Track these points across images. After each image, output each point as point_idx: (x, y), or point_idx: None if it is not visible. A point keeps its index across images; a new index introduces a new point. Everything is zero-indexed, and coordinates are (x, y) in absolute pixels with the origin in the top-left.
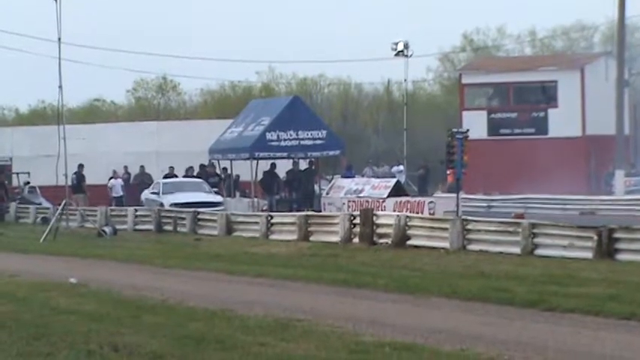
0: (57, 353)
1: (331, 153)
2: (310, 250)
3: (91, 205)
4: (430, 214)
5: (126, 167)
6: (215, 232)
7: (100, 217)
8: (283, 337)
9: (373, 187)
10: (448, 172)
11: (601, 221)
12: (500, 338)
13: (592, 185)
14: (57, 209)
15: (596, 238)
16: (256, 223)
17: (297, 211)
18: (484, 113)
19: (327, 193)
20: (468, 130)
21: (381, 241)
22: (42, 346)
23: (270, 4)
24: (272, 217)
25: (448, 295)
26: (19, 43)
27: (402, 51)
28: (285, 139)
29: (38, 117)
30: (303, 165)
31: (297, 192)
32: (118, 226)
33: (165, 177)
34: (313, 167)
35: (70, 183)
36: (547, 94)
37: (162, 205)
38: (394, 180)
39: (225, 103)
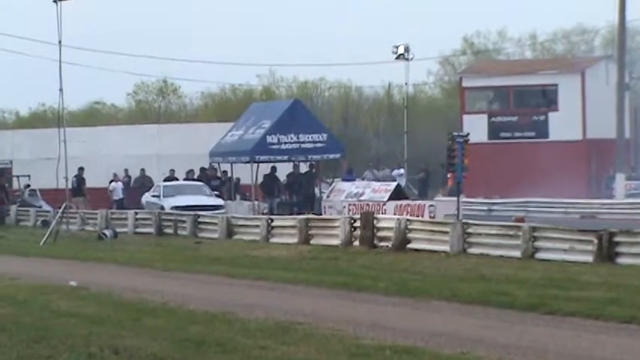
0: (57, 356)
1: (332, 156)
2: (311, 254)
3: (92, 208)
4: (431, 217)
5: (126, 170)
6: (215, 235)
7: (100, 220)
8: (284, 340)
9: (374, 190)
10: (449, 175)
11: (601, 225)
12: (500, 342)
13: (592, 189)
14: (57, 212)
15: (596, 241)
16: (257, 226)
17: (298, 214)
18: (485, 117)
19: (328, 197)
20: (468, 134)
21: (382, 244)
22: (42, 349)
23: (271, 7)
24: (272, 221)
25: (448, 299)
26: (20, 46)
27: (402, 54)
28: (285, 143)
29: (39, 120)
30: (304, 168)
31: (298, 195)
32: (118, 229)
33: (166, 180)
34: (314, 170)
35: (70, 186)
36: (547, 98)
37: (162, 208)
38: (395, 183)
39: (226, 107)
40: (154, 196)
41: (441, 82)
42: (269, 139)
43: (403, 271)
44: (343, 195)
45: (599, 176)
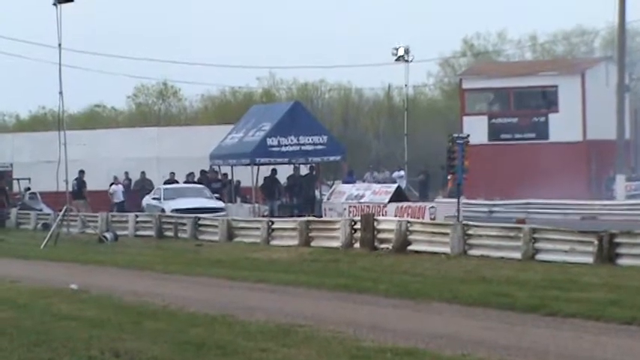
0: (58, 359)
1: (332, 158)
2: (311, 256)
3: (92, 211)
4: (431, 219)
5: (127, 173)
6: (216, 238)
7: (100, 223)
8: (285, 342)
9: (374, 192)
10: (449, 177)
11: (602, 226)
12: (501, 343)
13: (593, 190)
14: (58, 215)
15: (597, 242)
16: (257, 228)
17: (298, 216)
18: (485, 118)
19: (328, 199)
20: (468, 135)
21: (382, 246)
22: (43, 352)
23: (270, 9)
24: (273, 223)
25: (449, 301)
26: (20, 49)
27: (402, 56)
28: (285, 145)
29: (39, 123)
30: (304, 170)
31: (298, 197)
32: (118, 232)
33: (166, 183)
34: (314, 173)
35: (70, 189)
36: (548, 99)
37: (163, 210)
38: (395, 185)
39: (226, 109)
40: (154, 198)
41: (441, 84)
42: (269, 141)
43: (404, 273)
44: (344, 197)
45: (599, 177)
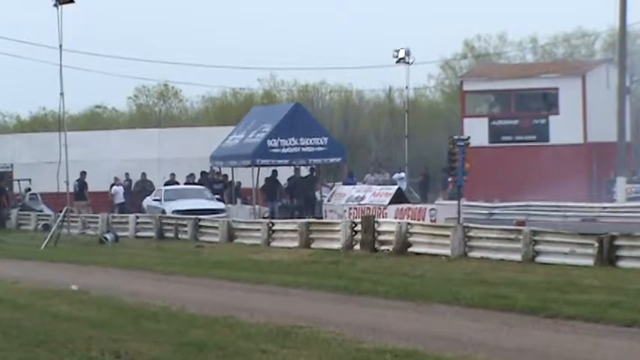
0: None
1: (332, 160)
2: (311, 257)
3: (93, 212)
4: (431, 221)
5: (127, 174)
6: (216, 239)
7: (101, 224)
8: (285, 344)
9: (374, 194)
10: (449, 179)
11: (602, 228)
12: (501, 345)
13: (593, 192)
14: (58, 216)
15: (597, 245)
16: (258, 230)
17: (299, 218)
18: (485, 120)
19: (329, 200)
20: (469, 137)
21: (383, 248)
22: (43, 353)
23: (271, 11)
24: (273, 224)
25: (449, 302)
26: (21, 50)
27: (403, 58)
28: (286, 146)
29: (39, 124)
30: (305, 172)
31: (299, 199)
32: (119, 233)
33: (167, 184)
34: (314, 174)
35: (71, 190)
36: (548, 101)
37: (164, 212)
38: (395, 187)
39: (227, 110)
40: (155, 200)
41: (442, 86)
42: (270, 143)
43: (404, 275)
44: (344, 199)
45: (599, 180)
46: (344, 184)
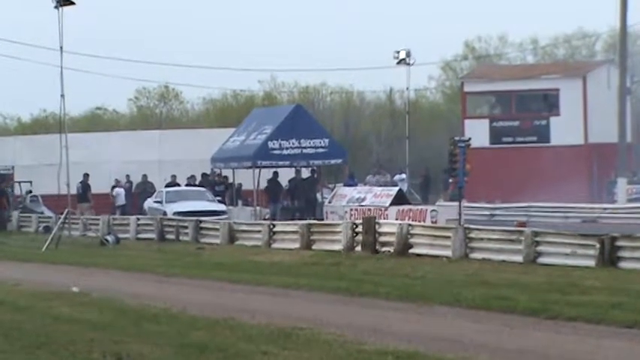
0: None
1: (333, 161)
2: (312, 259)
3: (94, 214)
4: (432, 222)
5: (128, 176)
6: (217, 241)
7: (102, 226)
8: (286, 345)
9: (375, 195)
10: (450, 180)
11: (603, 229)
12: (502, 346)
13: (594, 193)
14: (59, 218)
15: (598, 246)
16: (259, 231)
17: (300, 219)
18: (486, 121)
19: (330, 202)
20: (470, 139)
21: (384, 249)
22: (44, 355)
23: (272, 12)
24: (274, 226)
25: (451, 304)
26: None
27: (404, 59)
28: (287, 148)
29: (40, 126)
30: (306, 173)
31: (300, 200)
32: (120, 235)
33: (168, 185)
34: (315, 176)
35: (72, 192)
36: (549, 102)
37: (165, 213)
38: (396, 188)
39: (228, 112)
40: (156, 201)
41: (443, 87)
42: (271, 144)
43: (405, 276)
44: (345, 200)
45: (600, 181)
46: (345, 185)
